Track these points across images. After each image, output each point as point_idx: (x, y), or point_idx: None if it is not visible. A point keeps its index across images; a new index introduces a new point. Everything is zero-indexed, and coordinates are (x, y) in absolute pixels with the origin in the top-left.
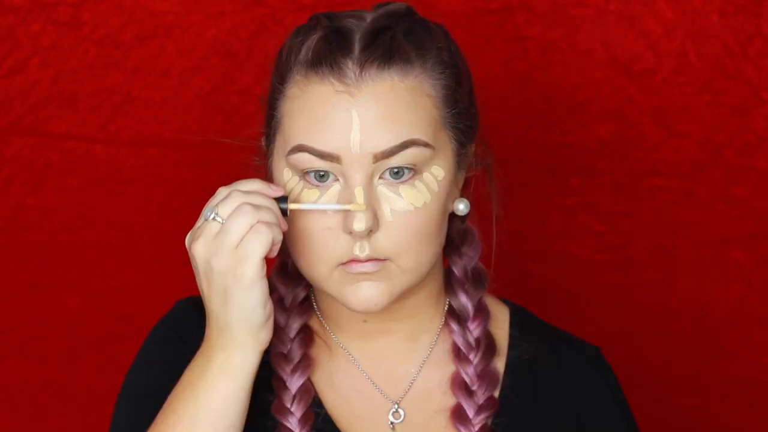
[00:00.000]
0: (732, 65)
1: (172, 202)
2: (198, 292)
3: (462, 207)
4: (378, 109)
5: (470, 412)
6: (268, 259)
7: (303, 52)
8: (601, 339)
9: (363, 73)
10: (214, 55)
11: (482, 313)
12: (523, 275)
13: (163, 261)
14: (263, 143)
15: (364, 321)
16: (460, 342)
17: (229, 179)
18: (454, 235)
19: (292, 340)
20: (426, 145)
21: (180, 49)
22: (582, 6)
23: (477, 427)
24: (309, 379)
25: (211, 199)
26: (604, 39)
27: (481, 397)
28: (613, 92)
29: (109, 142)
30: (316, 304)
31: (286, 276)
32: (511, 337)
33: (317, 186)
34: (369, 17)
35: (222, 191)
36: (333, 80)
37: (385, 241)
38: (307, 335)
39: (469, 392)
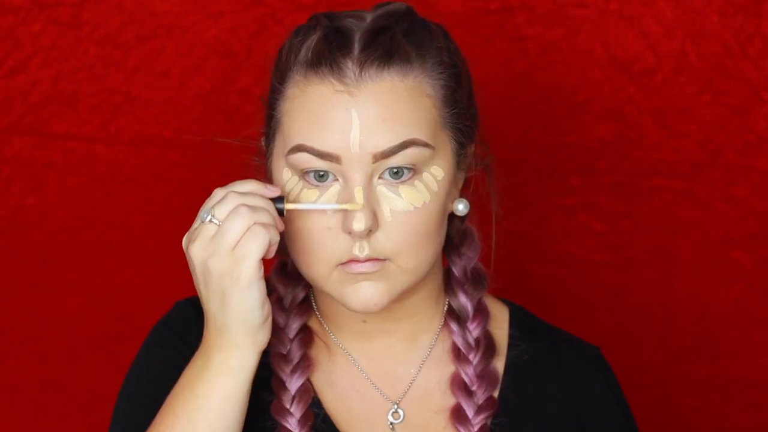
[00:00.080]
0: (732, 65)
1: (172, 202)
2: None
3: (461, 207)
4: (378, 109)
5: (470, 413)
6: (266, 260)
7: (303, 52)
8: (601, 339)
9: (363, 73)
10: (214, 55)
11: (482, 313)
12: (523, 275)
13: (163, 261)
14: (263, 143)
15: (364, 321)
16: (459, 342)
17: (229, 179)
18: (454, 236)
19: (292, 340)
20: (425, 145)
21: (180, 49)
22: (582, 6)
23: (476, 428)
24: (308, 380)
25: (207, 200)
26: (604, 39)
27: (480, 398)
28: (613, 92)
29: (110, 142)
30: (316, 305)
31: (286, 276)
32: (511, 337)
33: (317, 186)
34: (369, 17)
35: (218, 192)
36: (333, 80)
37: (384, 241)
38: (306, 336)
39: (468, 392)
